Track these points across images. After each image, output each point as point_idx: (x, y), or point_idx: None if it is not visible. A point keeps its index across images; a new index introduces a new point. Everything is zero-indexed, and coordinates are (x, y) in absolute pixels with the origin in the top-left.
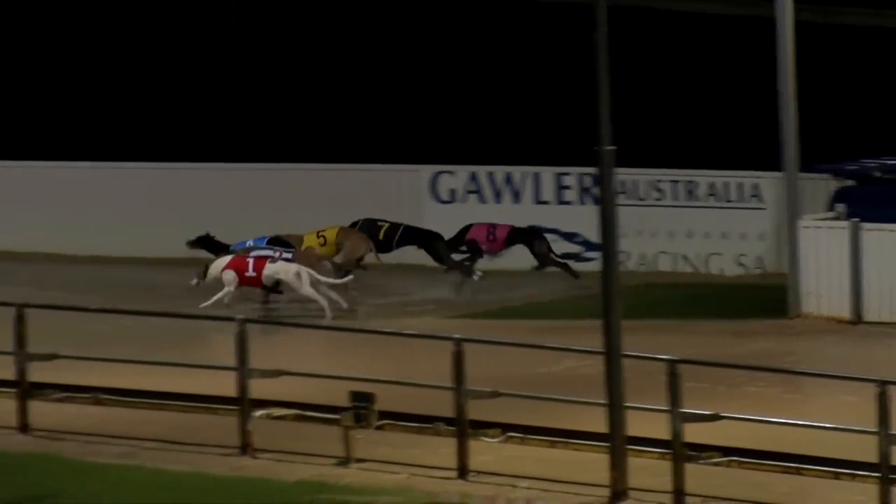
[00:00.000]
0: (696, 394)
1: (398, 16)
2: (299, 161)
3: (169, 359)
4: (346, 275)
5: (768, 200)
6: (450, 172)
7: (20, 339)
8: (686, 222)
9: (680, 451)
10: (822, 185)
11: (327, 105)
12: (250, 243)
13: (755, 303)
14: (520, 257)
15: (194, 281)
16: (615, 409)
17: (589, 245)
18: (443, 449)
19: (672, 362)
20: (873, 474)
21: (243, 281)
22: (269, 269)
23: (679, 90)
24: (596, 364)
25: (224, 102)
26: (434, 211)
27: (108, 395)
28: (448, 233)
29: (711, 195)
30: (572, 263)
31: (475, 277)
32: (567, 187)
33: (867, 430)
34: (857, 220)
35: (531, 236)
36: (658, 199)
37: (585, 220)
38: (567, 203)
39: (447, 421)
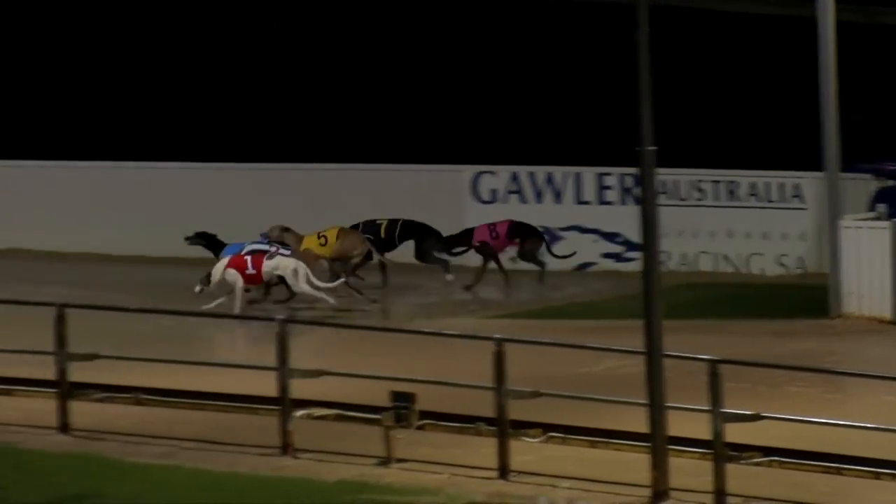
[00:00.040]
0: (736, 394)
1: (441, 16)
2: (341, 161)
3: (208, 359)
4: (336, 278)
5: (809, 200)
6: (491, 173)
7: (61, 339)
8: (727, 222)
9: (721, 451)
10: (862, 185)
11: (370, 105)
12: (245, 246)
13: (796, 303)
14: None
15: (198, 288)
16: (656, 409)
17: (630, 245)
18: (484, 449)
19: (713, 362)
20: None
21: (246, 280)
22: (268, 265)
23: (720, 90)
24: (637, 364)
25: (266, 102)
26: (475, 211)
27: (149, 395)
28: None
29: (752, 195)
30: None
31: (448, 278)
32: (608, 187)
33: None
34: None
35: (531, 230)
36: (699, 200)
37: (626, 221)
38: (608, 203)
39: (488, 421)
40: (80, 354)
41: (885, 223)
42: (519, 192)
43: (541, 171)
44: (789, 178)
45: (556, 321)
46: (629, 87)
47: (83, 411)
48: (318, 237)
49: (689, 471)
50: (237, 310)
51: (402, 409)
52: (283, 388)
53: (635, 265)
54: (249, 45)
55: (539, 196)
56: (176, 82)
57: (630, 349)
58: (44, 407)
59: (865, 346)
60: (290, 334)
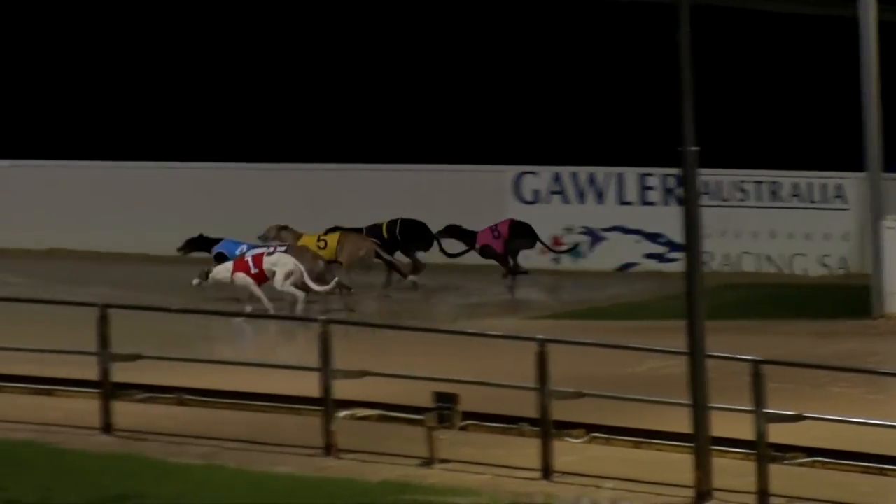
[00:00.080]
0: (779, 394)
1: (483, 17)
2: (387, 162)
3: (251, 359)
4: (332, 280)
5: (852, 201)
6: (533, 173)
7: (103, 340)
8: (770, 223)
9: (764, 452)
10: None
11: (414, 105)
12: (244, 248)
13: (839, 303)
14: (608, 258)
15: (196, 281)
16: (699, 410)
17: (672, 246)
18: (527, 449)
19: (756, 363)
20: None
21: (252, 279)
22: (268, 262)
23: (762, 90)
24: (679, 364)
25: (304, 102)
26: (517, 211)
27: (191, 395)
28: None
29: (795, 196)
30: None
31: (410, 279)
32: (651, 188)
33: None
34: None
35: (527, 230)
36: (742, 200)
37: (669, 221)
38: (651, 204)
39: (531, 421)
40: (123, 355)
41: None
42: (561, 192)
43: (583, 171)
44: (832, 178)
45: (599, 322)
46: (671, 87)
47: (126, 412)
48: (318, 240)
49: (732, 471)
50: (270, 308)
51: (445, 409)
52: (327, 388)
53: (678, 266)
54: (250, 45)
55: (581, 196)
56: (176, 82)
57: (673, 350)
58: (86, 407)
59: None
60: (332, 335)
